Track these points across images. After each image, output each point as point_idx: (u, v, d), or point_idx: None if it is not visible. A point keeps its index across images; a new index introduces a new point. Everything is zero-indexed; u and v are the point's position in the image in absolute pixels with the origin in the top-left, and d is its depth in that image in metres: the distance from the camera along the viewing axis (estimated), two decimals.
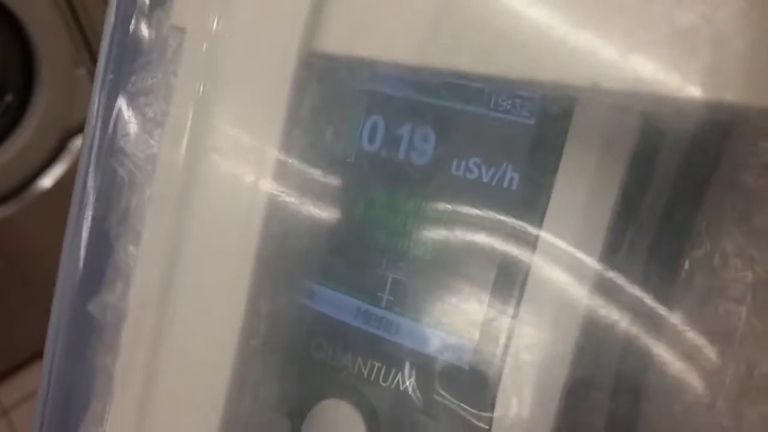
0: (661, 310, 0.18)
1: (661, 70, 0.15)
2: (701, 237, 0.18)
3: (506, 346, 0.18)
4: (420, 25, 0.17)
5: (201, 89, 0.20)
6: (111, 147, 0.23)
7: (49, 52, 0.90)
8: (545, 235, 0.18)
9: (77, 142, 0.98)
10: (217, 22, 0.20)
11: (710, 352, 0.17)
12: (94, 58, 0.95)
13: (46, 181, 0.98)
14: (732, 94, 0.14)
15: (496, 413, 0.18)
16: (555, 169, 0.18)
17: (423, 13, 0.17)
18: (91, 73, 0.97)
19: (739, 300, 0.17)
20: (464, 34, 0.17)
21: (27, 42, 0.88)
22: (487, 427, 0.18)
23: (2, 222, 0.96)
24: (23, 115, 0.92)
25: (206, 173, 0.20)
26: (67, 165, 0.99)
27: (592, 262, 0.17)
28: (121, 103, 0.23)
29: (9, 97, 0.90)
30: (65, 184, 0.98)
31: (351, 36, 0.19)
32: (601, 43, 0.15)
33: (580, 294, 0.18)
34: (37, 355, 1.13)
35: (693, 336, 0.18)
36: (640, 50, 0.15)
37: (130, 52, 0.22)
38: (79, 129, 0.98)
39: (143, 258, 0.22)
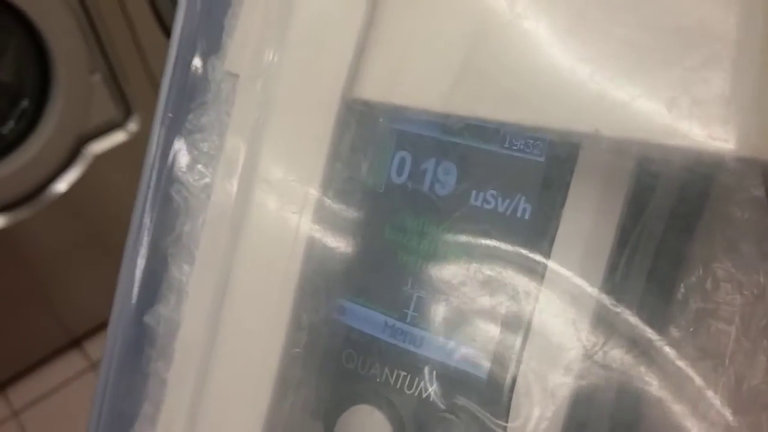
0: (658, 329, 0.20)
1: (654, 120, 0.17)
2: (694, 264, 0.19)
3: (519, 359, 0.20)
4: (445, 78, 0.20)
5: (251, 127, 0.23)
6: (169, 177, 0.25)
7: (64, 58, 0.89)
8: (553, 261, 0.20)
9: (92, 147, 0.98)
10: (268, 68, 0.23)
11: (703, 367, 0.19)
12: (109, 64, 0.95)
13: (61, 186, 0.98)
14: (717, 143, 0.16)
15: (511, 421, 0.20)
16: (563, 203, 0.20)
17: (448, 67, 0.20)
18: (107, 80, 0.96)
19: (728, 320, 0.19)
20: (483, 87, 0.19)
21: (43, 48, 0.88)
22: (502, 429, 0.20)
23: (17, 226, 0.96)
24: (39, 121, 0.92)
25: (256, 201, 0.23)
26: (82, 170, 0.98)
27: (595, 285, 0.19)
28: (179, 138, 0.25)
29: (25, 103, 0.90)
30: (79, 189, 0.99)
31: (385, 85, 0.21)
32: (602, 94, 0.17)
33: (584, 314, 0.20)
34: (48, 358, 1.14)
35: (687, 352, 0.19)
36: (636, 101, 0.17)
37: (187, 94, 0.25)
38: (94, 134, 0.98)
39: (197, 275, 0.24)
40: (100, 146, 0.99)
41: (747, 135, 0.16)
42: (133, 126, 1.01)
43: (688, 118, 0.16)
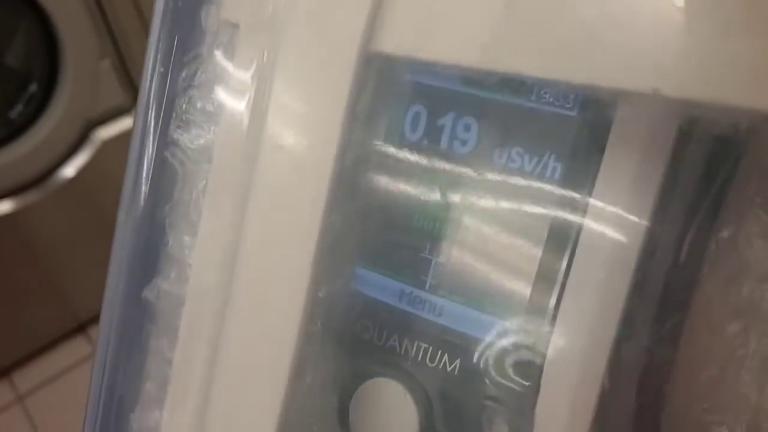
0: (691, 285, 0.18)
1: (716, 81, 0.15)
2: (729, 218, 0.18)
3: (550, 329, 0.19)
4: (484, 28, 0.18)
5: (256, 84, 0.21)
6: (163, 138, 0.23)
7: (73, 43, 0.90)
8: (587, 227, 0.18)
9: (100, 133, 0.99)
10: (273, 17, 0.20)
11: (736, 327, 0.18)
12: (118, 50, 0.96)
13: (69, 170, 0.99)
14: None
15: (542, 391, 0.19)
16: (598, 162, 0.18)
17: (487, 15, 0.18)
18: (116, 65, 0.96)
19: (762, 279, 0.18)
20: (529, 39, 0.17)
21: (52, 33, 0.89)
22: (532, 403, 0.19)
23: (24, 210, 0.97)
24: (47, 105, 0.92)
25: (265, 167, 0.21)
26: (90, 155, 0.99)
27: (632, 254, 0.18)
28: (172, 95, 0.23)
29: (33, 87, 0.91)
30: (87, 173, 1.00)
31: (412, 37, 0.19)
32: (663, 51, 0.16)
33: (621, 286, 0.18)
34: (54, 343, 1.16)
35: (720, 312, 0.18)
36: (697, 61, 0.15)
37: (180, 45, 0.23)
38: (102, 120, 0.99)
39: (201, 247, 0.22)
40: (107, 132, 1.00)
41: None
42: None
43: (753, 80, 0.15)
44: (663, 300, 0.18)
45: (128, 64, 0.97)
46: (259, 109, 0.21)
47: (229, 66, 0.22)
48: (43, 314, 1.12)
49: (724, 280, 0.18)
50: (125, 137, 1.01)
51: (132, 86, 1.00)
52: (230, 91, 0.22)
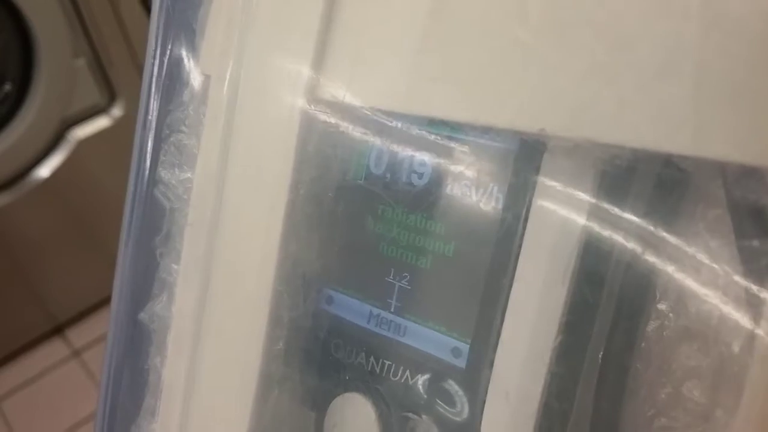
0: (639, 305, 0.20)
1: (601, 120, 0.17)
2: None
3: (495, 348, 0.21)
4: (401, 79, 0.20)
5: (222, 129, 0.24)
6: (152, 178, 0.26)
7: (48, 42, 0.89)
8: (525, 251, 0.21)
9: (76, 132, 0.98)
10: (235, 69, 0.23)
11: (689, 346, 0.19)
12: (93, 49, 0.94)
13: (44, 170, 0.97)
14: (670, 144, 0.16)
15: (488, 407, 0.21)
16: (533, 192, 0.20)
17: (403, 68, 0.20)
18: (91, 64, 0.95)
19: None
20: (436, 88, 0.20)
21: (27, 31, 0.88)
22: (479, 415, 0.21)
23: None
24: (22, 105, 0.91)
25: (231, 202, 0.23)
26: (65, 155, 0.98)
27: (567, 274, 0.20)
28: (160, 139, 0.26)
29: (8, 86, 0.90)
30: (62, 174, 0.98)
31: (344, 86, 0.21)
32: (551, 94, 0.18)
33: (557, 304, 0.20)
34: (30, 345, 1.14)
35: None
36: (584, 101, 0.17)
37: (166, 95, 0.26)
38: (78, 119, 0.97)
39: (183, 275, 0.25)
40: (83, 131, 0.99)
41: (705, 136, 0.15)
42: (117, 111, 1.01)
43: (640, 118, 0.16)
44: (611, 321, 0.20)
45: (104, 62, 0.96)
46: (224, 150, 0.24)
47: (203, 112, 0.25)
48: (20, 316, 1.10)
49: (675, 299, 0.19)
50: (101, 137, 0.99)
51: (108, 85, 0.98)
52: (205, 135, 0.24)
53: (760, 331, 0.16)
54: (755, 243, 0.16)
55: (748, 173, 0.15)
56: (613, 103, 0.17)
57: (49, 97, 0.92)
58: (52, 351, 1.15)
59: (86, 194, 1.06)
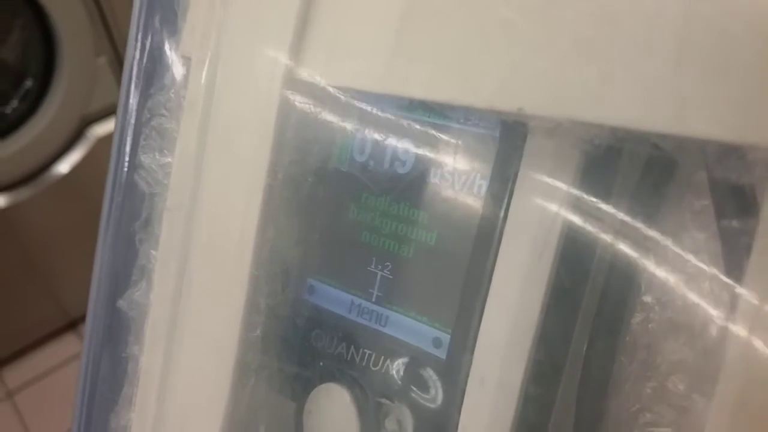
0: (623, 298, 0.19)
1: (579, 98, 0.16)
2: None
3: (476, 338, 0.20)
4: (379, 59, 0.20)
5: (200, 112, 0.23)
6: (132, 162, 0.25)
7: (70, 40, 0.89)
8: (506, 239, 0.20)
9: (95, 130, 0.98)
10: (215, 50, 0.23)
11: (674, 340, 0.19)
12: (115, 48, 0.95)
13: (63, 167, 0.98)
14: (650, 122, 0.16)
15: (467, 395, 0.20)
16: (514, 179, 0.20)
17: (381, 48, 0.20)
18: (112, 63, 0.96)
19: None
20: (414, 68, 0.19)
21: (49, 29, 0.88)
22: (459, 404, 0.20)
23: (18, 206, 0.97)
24: (42, 101, 0.92)
25: (210, 184, 0.23)
26: (84, 152, 0.99)
27: (546, 266, 0.19)
28: (141, 123, 0.25)
29: (29, 83, 0.91)
30: (81, 171, 0.99)
31: (324, 67, 0.21)
32: (528, 73, 0.17)
33: (538, 291, 0.19)
34: (44, 339, 1.15)
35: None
36: (563, 80, 0.17)
37: (148, 78, 0.25)
38: (98, 116, 0.98)
39: (161, 261, 0.24)
40: (102, 129, 1.00)
41: (687, 114, 0.15)
42: None
43: (622, 96, 0.16)
44: (594, 317, 0.19)
45: (124, 61, 0.98)
46: (203, 133, 0.23)
47: (183, 95, 0.24)
48: (34, 311, 1.11)
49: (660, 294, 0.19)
50: None
51: None
52: (183, 118, 0.24)
53: (735, 322, 0.15)
54: (735, 222, 0.15)
55: (729, 152, 0.15)
56: (595, 80, 0.16)
57: (70, 94, 0.93)
58: (66, 346, 1.16)
59: (104, 191, 1.06)
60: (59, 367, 1.14)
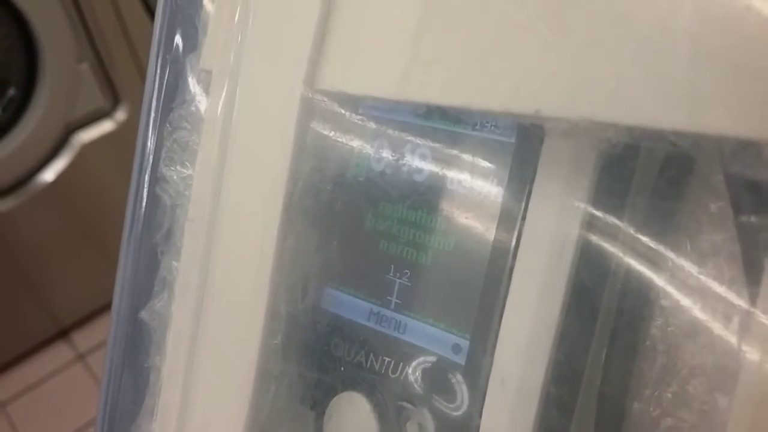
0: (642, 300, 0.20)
1: (595, 99, 0.17)
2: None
3: (495, 343, 0.20)
4: (397, 65, 0.20)
5: (222, 123, 0.24)
6: (154, 175, 0.26)
7: (52, 47, 0.89)
8: (524, 244, 0.20)
9: (80, 136, 0.98)
10: (235, 63, 0.23)
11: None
12: (97, 53, 0.95)
13: (48, 175, 0.98)
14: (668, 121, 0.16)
15: (486, 408, 0.21)
16: (531, 185, 0.20)
17: (398, 54, 0.20)
18: (94, 69, 0.95)
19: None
20: (431, 73, 0.19)
21: (31, 37, 0.88)
22: (480, 410, 0.21)
23: (4, 215, 0.96)
24: (26, 109, 0.91)
25: (231, 194, 0.23)
26: (70, 159, 0.98)
27: (564, 268, 0.19)
28: (163, 136, 0.26)
29: (12, 91, 0.90)
30: (67, 178, 0.99)
31: (342, 75, 0.21)
32: (545, 75, 0.18)
33: (557, 297, 0.20)
34: (36, 349, 1.14)
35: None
36: (579, 81, 0.17)
37: (169, 92, 0.26)
38: (82, 123, 0.98)
39: (183, 272, 0.25)
40: (87, 135, 0.99)
41: (703, 111, 0.15)
42: (120, 115, 1.01)
43: (638, 94, 0.16)
44: (614, 320, 0.20)
45: (107, 67, 0.96)
46: (224, 144, 0.24)
47: (203, 108, 0.25)
48: (25, 320, 1.10)
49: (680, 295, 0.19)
50: (105, 141, 1.00)
51: (111, 89, 0.98)
52: (205, 130, 0.25)
53: (754, 322, 0.16)
54: (753, 218, 0.16)
55: (745, 148, 0.15)
56: (612, 80, 0.16)
57: (53, 102, 0.93)
58: (57, 355, 1.15)
59: (91, 198, 1.06)
60: (52, 376, 1.13)
